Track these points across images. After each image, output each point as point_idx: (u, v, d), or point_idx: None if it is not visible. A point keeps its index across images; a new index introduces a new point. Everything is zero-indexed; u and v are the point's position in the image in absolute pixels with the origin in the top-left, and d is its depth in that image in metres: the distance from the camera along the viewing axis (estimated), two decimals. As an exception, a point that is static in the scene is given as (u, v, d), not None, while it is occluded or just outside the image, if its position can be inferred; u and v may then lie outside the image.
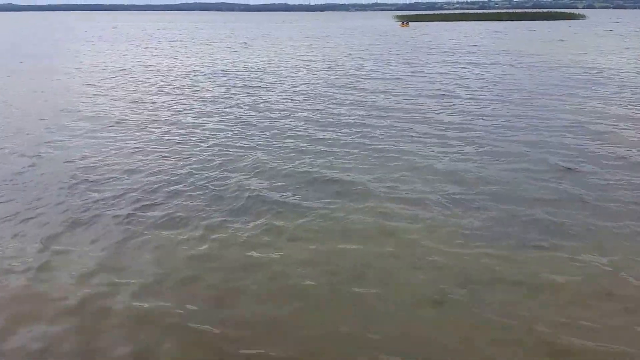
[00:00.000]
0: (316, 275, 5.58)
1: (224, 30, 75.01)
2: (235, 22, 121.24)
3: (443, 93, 17.27)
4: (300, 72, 23.77)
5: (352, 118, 13.57)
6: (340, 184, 8.37)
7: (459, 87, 18.59)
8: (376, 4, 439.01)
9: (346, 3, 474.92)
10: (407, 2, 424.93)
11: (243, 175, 8.91)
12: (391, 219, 6.97)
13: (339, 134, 11.82)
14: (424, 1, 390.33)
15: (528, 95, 16.63)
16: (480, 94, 17.31)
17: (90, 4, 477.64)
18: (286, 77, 22.24)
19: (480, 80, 20.27)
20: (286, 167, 9.27)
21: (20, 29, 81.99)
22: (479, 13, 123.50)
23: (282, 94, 17.76)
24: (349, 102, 15.96)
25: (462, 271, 5.62)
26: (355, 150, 10.37)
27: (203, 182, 8.58)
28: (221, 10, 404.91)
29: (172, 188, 8.31)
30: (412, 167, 9.25)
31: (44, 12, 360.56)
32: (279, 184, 8.42)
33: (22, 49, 38.77)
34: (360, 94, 17.39)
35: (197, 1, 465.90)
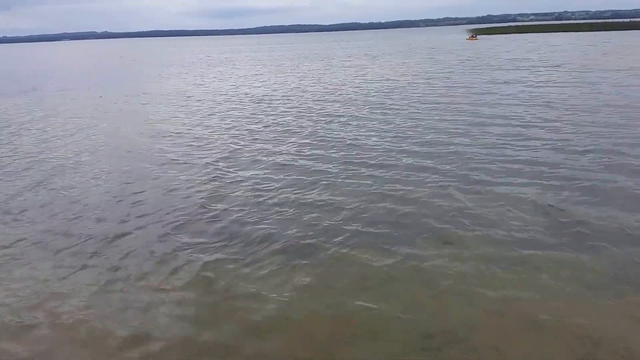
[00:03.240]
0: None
1: (315, 50, 78.70)
2: (316, 42, 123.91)
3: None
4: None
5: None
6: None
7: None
8: (447, 19, 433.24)
9: (416, 19, 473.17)
10: (479, 16, 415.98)
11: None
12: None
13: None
14: (497, 14, 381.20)
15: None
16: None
17: (175, 30, 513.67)
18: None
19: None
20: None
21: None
22: (556, 24, 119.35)
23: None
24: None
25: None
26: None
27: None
28: (296, 31, 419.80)
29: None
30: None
31: (134, 38, 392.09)
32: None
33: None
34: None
35: (275, 24, 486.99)
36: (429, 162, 11.11)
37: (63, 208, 9.24)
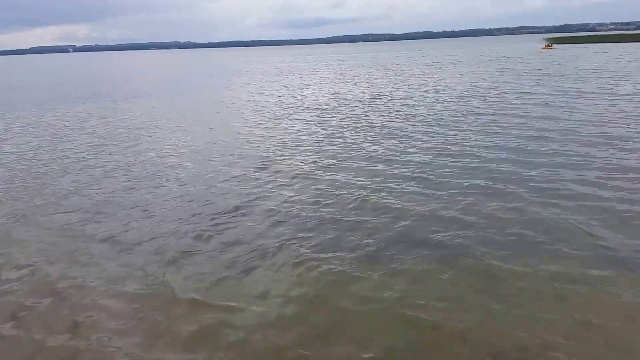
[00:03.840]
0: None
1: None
2: (388, 51, 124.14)
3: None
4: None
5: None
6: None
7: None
8: (522, 27, 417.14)
9: (491, 27, 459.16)
10: (556, 25, 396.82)
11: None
12: None
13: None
14: (575, 23, 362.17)
15: None
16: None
17: (254, 40, 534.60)
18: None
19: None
20: None
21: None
22: (638, 34, 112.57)
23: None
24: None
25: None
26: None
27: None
28: (368, 40, 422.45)
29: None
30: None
31: (215, 48, 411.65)
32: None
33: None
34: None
35: (347, 34, 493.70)
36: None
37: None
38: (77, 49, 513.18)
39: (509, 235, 8.05)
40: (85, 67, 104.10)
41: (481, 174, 11.39)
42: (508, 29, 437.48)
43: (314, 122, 19.90)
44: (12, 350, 5.64)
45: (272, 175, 12.20)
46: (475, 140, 15.06)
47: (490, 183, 10.70)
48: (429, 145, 14.73)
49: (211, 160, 14.08)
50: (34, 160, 14.92)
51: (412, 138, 15.88)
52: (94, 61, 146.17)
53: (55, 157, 15.19)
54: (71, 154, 15.69)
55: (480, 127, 16.99)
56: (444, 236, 8.11)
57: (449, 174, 11.58)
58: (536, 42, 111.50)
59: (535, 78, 33.12)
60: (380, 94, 28.85)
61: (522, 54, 70.36)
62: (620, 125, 16.16)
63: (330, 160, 13.44)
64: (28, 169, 13.86)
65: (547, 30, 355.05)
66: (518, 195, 9.86)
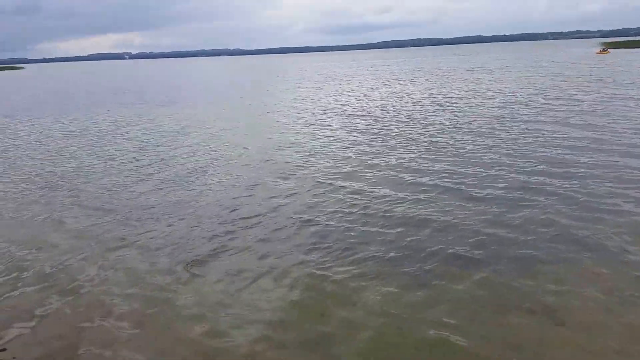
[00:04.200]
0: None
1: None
2: (435, 56, 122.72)
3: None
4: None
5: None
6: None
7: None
8: (577, 32, 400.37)
9: (544, 32, 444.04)
10: (614, 29, 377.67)
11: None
12: None
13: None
14: (634, 27, 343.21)
15: None
16: None
17: (301, 47, 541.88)
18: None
19: None
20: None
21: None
22: None
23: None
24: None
25: None
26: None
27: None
28: (415, 45, 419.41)
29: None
30: None
31: (263, 55, 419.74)
32: None
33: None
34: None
35: (394, 39, 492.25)
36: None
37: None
38: (132, 56, 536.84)
39: (536, 249, 7.75)
40: (141, 73, 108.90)
41: (512, 184, 11.08)
42: (562, 33, 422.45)
43: (349, 129, 19.86)
44: (33, 347, 5.82)
45: (297, 182, 12.29)
46: (511, 148, 14.65)
47: (520, 193, 10.37)
48: (463, 153, 14.48)
49: (245, 165, 14.40)
50: (77, 161, 15.74)
51: (446, 145, 15.67)
52: (149, 68, 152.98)
53: (98, 159, 15.96)
54: (112, 157, 16.39)
55: (517, 136, 16.49)
56: (464, 248, 7.92)
57: (478, 183, 11.33)
58: (591, 47, 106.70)
59: (584, 83, 31.75)
60: (420, 100, 28.51)
61: (574, 58, 67.66)
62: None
63: (359, 169, 13.38)
64: (75, 170, 14.63)
65: (604, 34, 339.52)
66: (550, 207, 9.49)
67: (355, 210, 9.97)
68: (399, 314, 6.16)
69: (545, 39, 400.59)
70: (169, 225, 9.60)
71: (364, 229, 8.97)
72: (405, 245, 8.17)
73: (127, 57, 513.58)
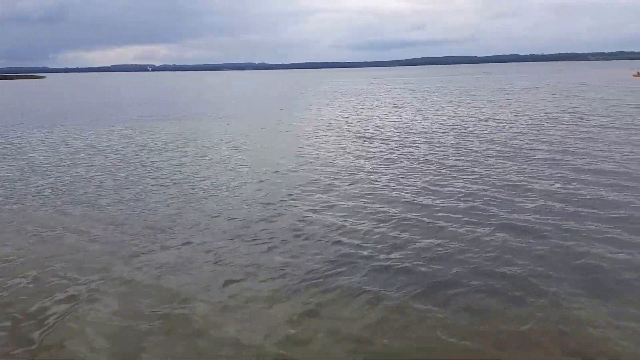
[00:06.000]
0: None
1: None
2: (463, 74, 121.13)
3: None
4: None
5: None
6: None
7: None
8: (621, 52, 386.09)
9: (584, 52, 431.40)
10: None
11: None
12: None
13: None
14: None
15: None
16: None
17: (328, 62, 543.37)
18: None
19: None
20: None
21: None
22: None
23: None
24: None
25: None
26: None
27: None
28: (448, 63, 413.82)
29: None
30: None
31: (289, 69, 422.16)
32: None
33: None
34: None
35: (424, 56, 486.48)
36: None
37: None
38: (155, 68, 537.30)
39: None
40: (160, 85, 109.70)
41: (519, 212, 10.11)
42: (603, 54, 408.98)
43: (357, 152, 18.13)
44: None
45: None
46: (499, 176, 12.92)
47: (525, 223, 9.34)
48: (466, 178, 13.08)
49: (259, 181, 13.73)
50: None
51: (452, 170, 14.34)
52: (170, 80, 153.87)
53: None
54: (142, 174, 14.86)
55: (514, 164, 14.55)
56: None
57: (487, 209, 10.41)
58: (630, 69, 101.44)
59: (603, 109, 28.71)
60: (432, 122, 26.20)
61: (606, 80, 63.67)
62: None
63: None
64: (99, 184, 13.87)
65: None
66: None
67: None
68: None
69: (586, 59, 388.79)
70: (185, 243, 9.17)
71: (371, 255, 8.31)
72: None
73: (150, 69, 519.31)
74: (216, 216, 10.52)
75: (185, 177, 14.33)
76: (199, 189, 12.89)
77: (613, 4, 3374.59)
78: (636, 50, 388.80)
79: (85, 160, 17.33)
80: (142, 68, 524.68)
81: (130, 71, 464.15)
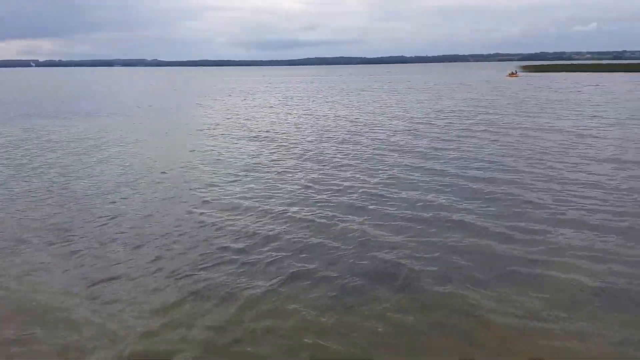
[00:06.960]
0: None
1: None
2: (356, 74, 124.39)
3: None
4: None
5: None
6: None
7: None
8: (497, 54, 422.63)
9: (465, 54, 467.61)
10: (532, 52, 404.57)
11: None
12: None
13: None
14: (552, 51, 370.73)
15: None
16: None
17: (223, 60, 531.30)
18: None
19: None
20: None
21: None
22: (614, 64, 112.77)
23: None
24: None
25: None
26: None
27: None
28: (340, 63, 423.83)
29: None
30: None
31: (183, 67, 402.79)
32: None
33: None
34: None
35: (317, 56, 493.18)
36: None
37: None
38: (39, 64, 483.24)
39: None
40: (39, 83, 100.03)
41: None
42: (482, 55, 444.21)
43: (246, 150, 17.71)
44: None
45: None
46: (380, 171, 13.05)
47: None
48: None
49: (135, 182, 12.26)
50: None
51: (334, 166, 13.77)
52: (53, 77, 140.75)
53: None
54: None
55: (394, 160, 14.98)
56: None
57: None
58: (505, 70, 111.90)
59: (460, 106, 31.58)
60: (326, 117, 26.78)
61: (479, 80, 69.71)
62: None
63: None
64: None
65: (523, 57, 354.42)
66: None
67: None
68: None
69: (467, 60, 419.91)
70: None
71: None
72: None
73: (33, 64, 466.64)
74: (90, 221, 9.97)
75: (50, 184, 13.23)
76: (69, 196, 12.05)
77: (490, 8, 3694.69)
78: (512, 52, 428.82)
79: None
80: (25, 64, 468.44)
81: (12, 67, 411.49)
